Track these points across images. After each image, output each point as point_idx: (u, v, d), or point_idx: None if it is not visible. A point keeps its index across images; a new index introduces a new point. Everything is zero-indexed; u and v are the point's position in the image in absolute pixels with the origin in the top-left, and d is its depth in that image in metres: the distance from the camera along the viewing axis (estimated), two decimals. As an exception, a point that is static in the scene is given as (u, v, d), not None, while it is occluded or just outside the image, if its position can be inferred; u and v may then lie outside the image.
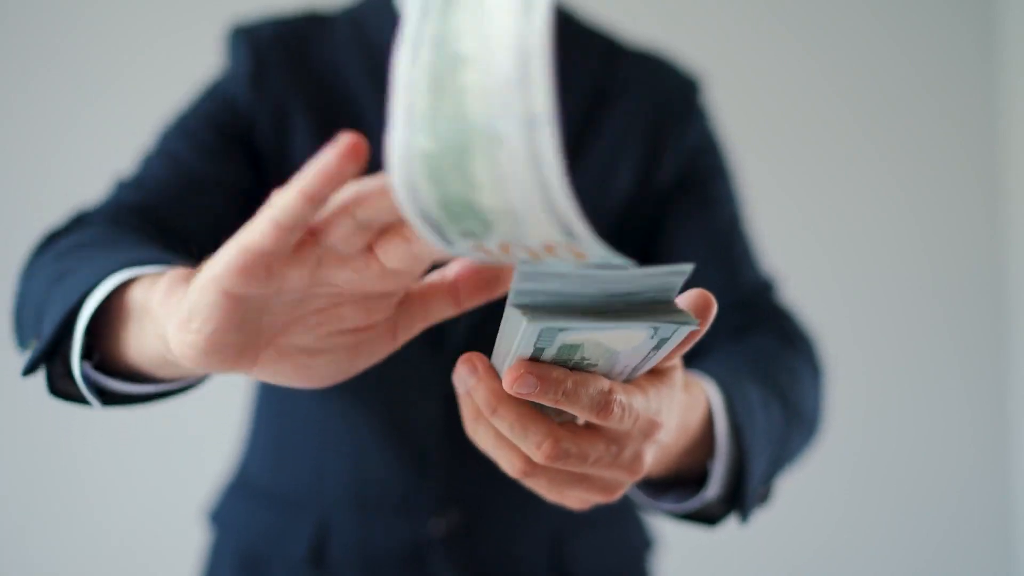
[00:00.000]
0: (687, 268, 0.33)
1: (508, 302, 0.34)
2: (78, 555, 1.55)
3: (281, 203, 0.33)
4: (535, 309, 0.33)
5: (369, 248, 0.35)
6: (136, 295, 0.43)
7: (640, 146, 0.78)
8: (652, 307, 0.35)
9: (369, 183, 0.33)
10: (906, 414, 1.82)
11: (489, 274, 0.40)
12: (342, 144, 0.31)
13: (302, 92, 0.75)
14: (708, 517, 0.58)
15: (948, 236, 1.84)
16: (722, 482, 0.55)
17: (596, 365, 0.37)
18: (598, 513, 0.80)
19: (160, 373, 0.45)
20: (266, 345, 0.38)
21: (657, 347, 0.36)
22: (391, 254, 0.34)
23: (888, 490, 1.81)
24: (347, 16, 0.81)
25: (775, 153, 1.76)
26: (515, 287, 0.32)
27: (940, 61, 1.83)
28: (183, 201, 0.69)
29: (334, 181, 0.32)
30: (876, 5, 1.81)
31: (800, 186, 1.79)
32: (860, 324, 1.79)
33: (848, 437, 1.70)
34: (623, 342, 0.35)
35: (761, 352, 0.68)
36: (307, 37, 0.78)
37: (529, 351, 0.35)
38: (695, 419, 0.50)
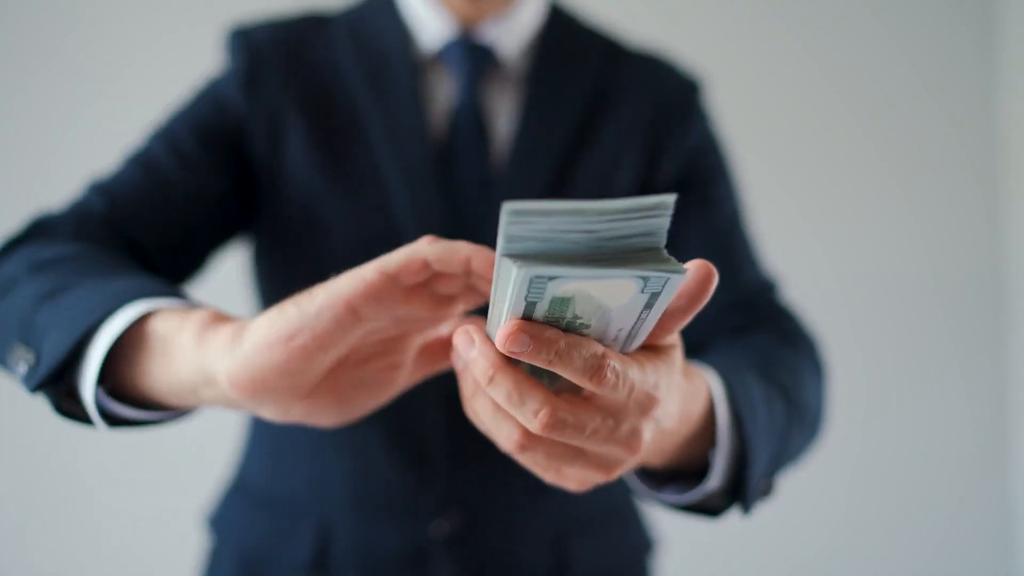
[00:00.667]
0: (670, 199, 0.33)
1: (498, 253, 0.34)
2: (78, 557, 1.55)
3: (442, 252, 0.41)
4: (525, 257, 0.33)
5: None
6: (159, 328, 0.47)
7: (640, 146, 0.78)
8: (641, 255, 0.35)
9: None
10: (906, 414, 1.82)
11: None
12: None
13: (297, 95, 0.75)
14: (710, 509, 0.57)
15: (948, 236, 1.84)
16: (724, 473, 0.55)
17: (589, 326, 0.37)
18: (598, 514, 0.80)
19: (176, 401, 0.48)
20: (324, 379, 0.44)
21: (649, 304, 0.36)
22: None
23: (888, 490, 1.81)
24: (347, 17, 0.81)
25: (775, 153, 1.76)
26: (504, 233, 0.32)
27: (940, 61, 1.83)
28: (151, 212, 0.70)
29: (486, 277, 0.41)
30: (876, 5, 1.81)
31: (800, 186, 1.79)
32: (860, 324, 1.79)
33: (848, 437, 1.70)
34: (614, 296, 0.35)
35: (762, 350, 0.68)
36: (305, 39, 0.78)
37: (521, 306, 0.35)
38: (696, 409, 0.50)
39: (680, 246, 0.77)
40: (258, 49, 0.76)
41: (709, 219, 0.78)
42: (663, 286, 0.34)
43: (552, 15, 0.82)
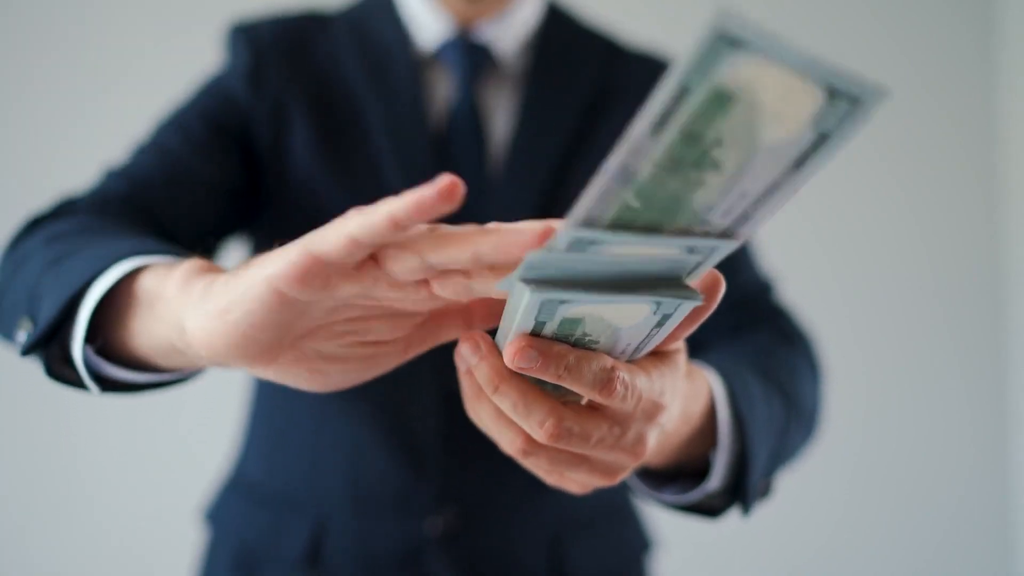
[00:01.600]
0: (716, 243, 0.32)
1: (514, 275, 0.33)
2: (77, 554, 1.55)
3: (365, 221, 0.32)
4: (540, 282, 0.33)
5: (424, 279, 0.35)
6: (147, 283, 0.44)
7: None
8: (657, 282, 0.34)
9: (452, 230, 0.34)
10: (906, 414, 1.82)
11: (501, 302, 0.41)
12: (443, 183, 0.31)
13: (300, 90, 0.76)
14: (709, 509, 0.57)
15: (948, 236, 1.84)
16: (724, 473, 0.54)
17: (598, 342, 0.37)
18: (596, 513, 0.80)
19: (163, 361, 0.46)
20: (289, 347, 0.39)
21: (660, 324, 0.36)
22: (449, 288, 0.35)
23: (888, 490, 1.81)
24: (347, 16, 0.81)
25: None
26: (526, 261, 0.32)
27: (940, 61, 1.83)
28: (169, 193, 0.69)
29: (425, 215, 0.32)
30: (876, 5, 1.81)
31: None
32: (860, 324, 1.79)
33: (848, 437, 1.70)
34: (625, 317, 0.35)
35: (760, 349, 0.68)
36: (306, 36, 0.78)
37: (530, 324, 0.35)
38: (697, 409, 0.50)
39: None
40: (261, 44, 0.77)
41: None
42: (676, 309, 0.34)
43: (550, 14, 0.82)
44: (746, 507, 0.56)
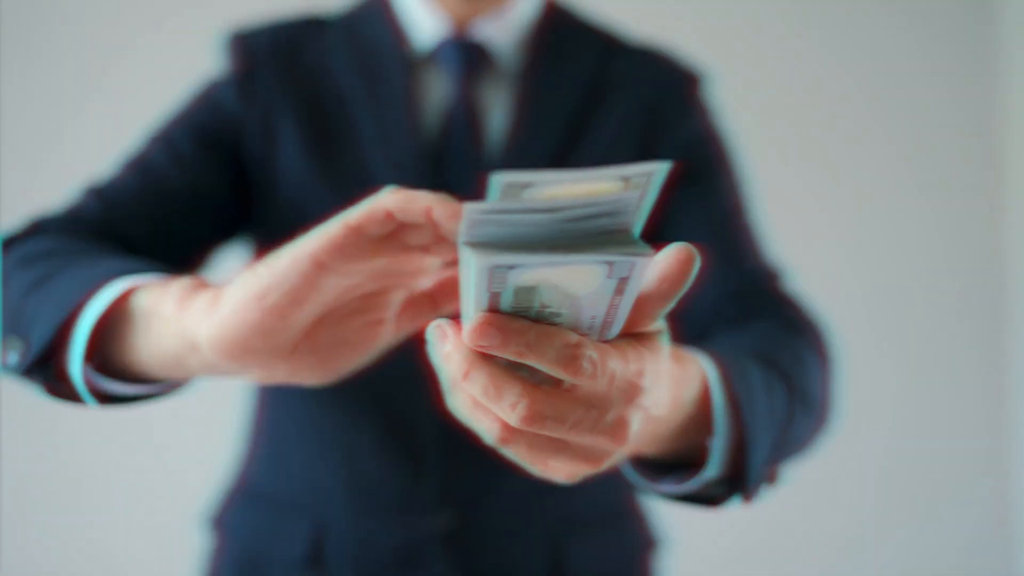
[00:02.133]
0: (650, 168, 0.31)
1: (459, 242, 0.33)
2: (78, 559, 1.55)
3: (405, 201, 0.39)
4: (484, 246, 0.32)
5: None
6: (141, 302, 0.48)
7: (635, 141, 0.78)
8: (608, 238, 0.33)
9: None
10: (906, 414, 1.82)
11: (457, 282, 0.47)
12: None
13: (291, 97, 0.76)
14: (710, 499, 0.56)
15: (948, 236, 1.84)
16: (723, 460, 0.53)
17: (560, 315, 0.36)
18: (597, 514, 0.79)
19: (163, 374, 0.49)
20: (304, 336, 0.44)
21: (619, 290, 0.35)
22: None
23: (888, 490, 1.81)
24: (343, 19, 0.81)
25: (774, 153, 1.75)
26: (466, 219, 0.32)
27: (940, 61, 1.83)
28: (146, 212, 0.71)
29: (453, 221, 0.38)
30: (877, 5, 1.81)
31: (799, 187, 1.79)
32: (859, 324, 1.78)
33: (848, 437, 1.69)
34: (580, 283, 0.34)
35: (763, 336, 0.66)
36: (301, 41, 0.79)
37: (485, 297, 0.34)
38: (690, 395, 0.49)
39: (680, 237, 0.76)
40: (253, 52, 0.77)
41: (709, 207, 0.77)
42: (630, 270, 0.33)
43: (547, 10, 0.82)
44: (748, 495, 0.54)
